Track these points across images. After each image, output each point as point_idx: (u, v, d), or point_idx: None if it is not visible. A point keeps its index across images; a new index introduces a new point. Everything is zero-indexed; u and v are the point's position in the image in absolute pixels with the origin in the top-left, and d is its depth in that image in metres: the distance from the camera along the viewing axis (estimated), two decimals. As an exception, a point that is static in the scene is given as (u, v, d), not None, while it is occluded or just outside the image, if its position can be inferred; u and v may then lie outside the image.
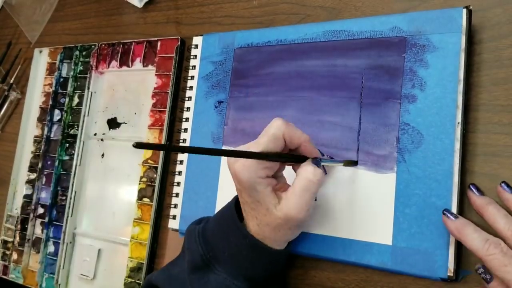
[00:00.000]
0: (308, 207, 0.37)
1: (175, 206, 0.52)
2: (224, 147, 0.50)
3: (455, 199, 0.37)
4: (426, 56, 0.40)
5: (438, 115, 0.39)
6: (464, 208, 0.38)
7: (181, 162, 0.53)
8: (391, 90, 0.41)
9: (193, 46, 0.55)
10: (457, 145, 0.38)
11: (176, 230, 0.52)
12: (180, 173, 0.52)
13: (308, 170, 0.37)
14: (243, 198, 0.38)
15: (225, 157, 0.38)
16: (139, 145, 0.28)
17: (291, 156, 0.39)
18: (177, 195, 0.52)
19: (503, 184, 0.36)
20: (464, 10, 0.39)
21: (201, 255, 0.39)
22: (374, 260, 0.40)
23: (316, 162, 0.38)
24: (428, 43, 0.40)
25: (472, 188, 0.37)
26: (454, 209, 0.37)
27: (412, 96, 0.40)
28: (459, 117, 0.38)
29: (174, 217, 0.52)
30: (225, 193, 0.48)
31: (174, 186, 0.53)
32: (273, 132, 0.37)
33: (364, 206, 0.41)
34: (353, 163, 0.42)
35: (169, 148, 0.33)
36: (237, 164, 0.36)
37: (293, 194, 0.37)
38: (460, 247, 0.37)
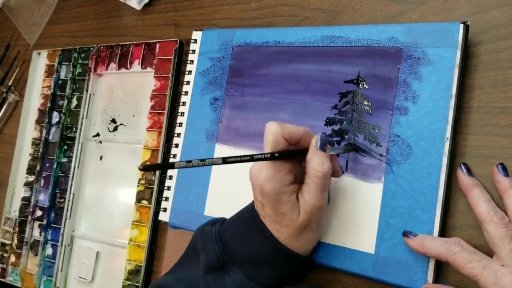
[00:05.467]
0: (324, 199, 0.37)
1: (166, 199, 0.52)
2: (217, 145, 0.50)
3: (439, 214, 0.37)
4: (420, 69, 0.40)
5: (428, 129, 0.39)
6: (449, 222, 0.39)
7: (175, 156, 0.53)
8: (384, 101, 0.42)
9: (192, 41, 0.55)
10: (445, 160, 0.38)
11: (166, 223, 0.52)
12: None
13: (313, 165, 0.36)
14: (264, 212, 0.38)
15: (250, 172, 0.38)
16: (146, 168, 0.29)
17: (293, 151, 0.38)
18: (168, 188, 0.52)
19: (499, 166, 0.37)
20: (461, 26, 0.39)
21: (217, 256, 0.39)
22: (356, 267, 0.40)
23: (321, 145, 0.37)
24: (423, 56, 0.40)
25: (462, 168, 0.38)
26: (437, 224, 0.37)
27: (404, 108, 0.40)
28: (448, 133, 0.38)
29: (164, 209, 0.52)
30: (215, 191, 0.49)
31: (167, 179, 0.53)
32: (272, 139, 0.36)
33: (350, 214, 0.41)
34: (352, 149, 0.42)
35: (174, 166, 0.33)
36: (262, 177, 0.36)
37: (308, 194, 0.36)
38: (439, 261, 0.38)
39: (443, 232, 0.38)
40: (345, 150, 0.42)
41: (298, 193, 0.37)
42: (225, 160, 0.35)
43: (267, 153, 0.36)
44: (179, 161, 0.31)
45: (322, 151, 0.37)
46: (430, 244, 0.35)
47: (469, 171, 0.38)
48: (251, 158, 0.35)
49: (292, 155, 0.37)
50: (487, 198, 0.36)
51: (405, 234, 0.38)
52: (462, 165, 0.38)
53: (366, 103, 0.43)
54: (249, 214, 0.40)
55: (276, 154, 0.36)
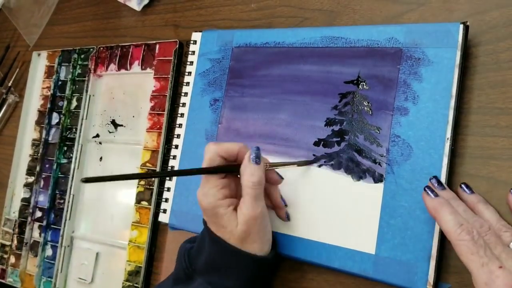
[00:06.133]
0: (259, 208, 0.38)
1: (166, 200, 0.52)
2: None
3: None
4: (420, 70, 0.40)
5: (428, 129, 0.39)
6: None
7: (174, 157, 0.53)
8: (384, 101, 0.42)
9: (191, 42, 0.55)
10: (445, 161, 0.38)
11: (166, 224, 0.52)
12: (172, 167, 0.53)
13: (245, 177, 0.38)
14: (211, 228, 0.40)
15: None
16: (88, 180, 0.32)
17: (226, 166, 0.40)
18: (168, 189, 0.52)
19: (462, 185, 0.37)
20: (461, 26, 0.39)
21: (183, 269, 0.41)
22: (356, 267, 0.40)
23: (254, 158, 0.39)
24: (423, 56, 0.40)
25: (428, 191, 0.36)
26: (438, 225, 0.37)
27: (404, 108, 0.41)
28: (448, 133, 0.38)
29: (164, 211, 0.52)
30: None
31: (166, 181, 0.53)
32: (208, 157, 0.40)
33: (351, 214, 0.41)
34: (308, 162, 0.43)
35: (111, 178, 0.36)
36: (199, 194, 0.39)
37: (244, 204, 0.38)
38: (440, 261, 0.38)
39: (443, 233, 0.38)
40: (299, 164, 0.43)
41: (237, 207, 0.39)
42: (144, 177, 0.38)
43: (193, 169, 0.39)
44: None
45: (254, 164, 0.39)
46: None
47: (433, 192, 0.36)
48: (175, 173, 0.39)
49: (223, 170, 0.40)
50: (450, 211, 0.34)
51: (427, 189, 0.36)
52: (427, 188, 0.36)
53: (366, 103, 0.43)
54: (204, 228, 0.41)
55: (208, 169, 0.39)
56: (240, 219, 0.38)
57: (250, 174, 0.38)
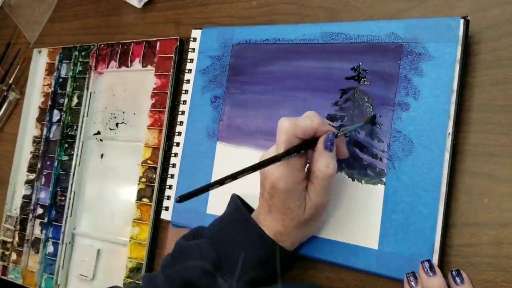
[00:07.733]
0: (328, 196, 0.39)
1: (168, 197, 0.52)
2: (218, 143, 0.50)
3: (441, 209, 0.38)
4: (421, 65, 0.40)
5: (429, 124, 0.39)
6: (450, 220, 0.39)
7: (176, 154, 0.53)
8: (385, 97, 0.42)
9: (191, 39, 0.55)
10: (447, 156, 0.38)
11: (168, 222, 0.52)
12: (174, 165, 0.53)
13: (319, 167, 0.36)
14: (272, 202, 0.38)
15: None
16: (183, 198, 0.31)
17: (301, 145, 0.37)
18: (170, 187, 0.52)
19: (453, 273, 0.35)
20: (462, 20, 0.39)
21: (193, 231, 0.41)
22: (359, 263, 0.40)
23: (328, 145, 0.37)
24: (424, 51, 0.40)
25: (410, 279, 0.36)
26: (440, 219, 0.37)
27: (405, 104, 0.41)
28: (450, 128, 0.38)
29: (166, 208, 0.52)
30: (218, 188, 0.49)
31: (168, 178, 0.53)
32: (285, 139, 0.36)
33: (353, 210, 0.41)
34: (372, 119, 0.41)
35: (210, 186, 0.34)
36: (275, 175, 0.36)
37: (313, 193, 0.38)
38: (443, 255, 0.38)
39: (445, 229, 0.38)
40: (365, 121, 0.41)
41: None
42: (235, 177, 0.35)
43: (276, 156, 0.35)
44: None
45: (328, 152, 0.37)
46: None
47: (415, 279, 0.36)
48: (259, 166, 0.35)
49: (300, 149, 0.37)
50: None
51: (410, 276, 0.36)
52: (410, 276, 0.37)
53: (367, 99, 0.43)
54: (238, 215, 0.41)
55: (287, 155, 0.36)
56: (308, 204, 0.38)
57: (325, 165, 0.36)
